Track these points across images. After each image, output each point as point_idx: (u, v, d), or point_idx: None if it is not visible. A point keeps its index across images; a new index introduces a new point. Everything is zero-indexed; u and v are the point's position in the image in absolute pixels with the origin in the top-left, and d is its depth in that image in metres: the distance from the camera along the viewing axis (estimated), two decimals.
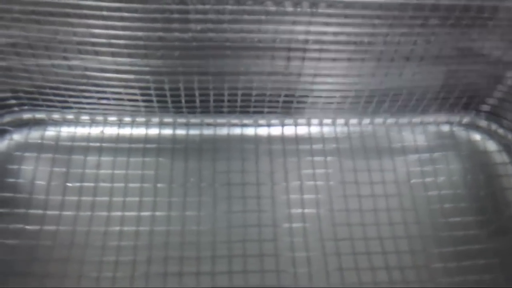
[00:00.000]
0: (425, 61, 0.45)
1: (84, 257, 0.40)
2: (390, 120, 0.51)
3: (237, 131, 0.49)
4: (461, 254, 0.42)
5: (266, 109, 0.49)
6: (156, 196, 0.44)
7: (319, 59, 0.44)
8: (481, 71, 0.47)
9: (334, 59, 0.44)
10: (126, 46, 0.41)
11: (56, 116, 0.48)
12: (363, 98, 0.48)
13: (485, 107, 0.51)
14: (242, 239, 0.42)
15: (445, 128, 0.51)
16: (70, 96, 0.46)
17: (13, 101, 0.47)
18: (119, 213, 0.43)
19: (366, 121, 0.51)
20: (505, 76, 0.48)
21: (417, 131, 0.50)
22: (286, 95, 0.48)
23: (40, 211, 0.42)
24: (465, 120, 0.52)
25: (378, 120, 0.51)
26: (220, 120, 0.49)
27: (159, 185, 0.45)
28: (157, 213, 0.43)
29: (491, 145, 0.50)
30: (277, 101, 0.48)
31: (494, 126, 0.51)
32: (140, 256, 0.41)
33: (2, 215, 0.42)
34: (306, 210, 0.44)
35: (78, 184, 0.44)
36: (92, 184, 0.44)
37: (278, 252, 0.42)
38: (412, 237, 0.43)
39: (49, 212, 0.42)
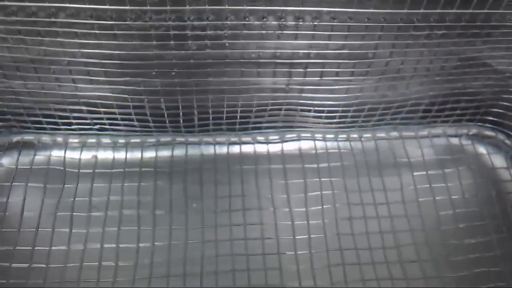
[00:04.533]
0: (431, 71, 0.44)
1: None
2: (394, 134, 0.49)
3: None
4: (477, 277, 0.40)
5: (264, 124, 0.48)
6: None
7: (321, 72, 0.43)
8: (486, 81, 0.46)
9: (337, 73, 0.43)
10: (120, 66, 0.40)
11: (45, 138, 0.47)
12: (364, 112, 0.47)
13: (491, 118, 0.50)
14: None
15: (454, 141, 0.50)
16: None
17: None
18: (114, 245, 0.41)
19: (368, 135, 0.49)
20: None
21: (424, 145, 0.49)
22: (286, 109, 0.46)
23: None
24: (472, 131, 0.50)
25: (380, 134, 0.49)
26: (219, 139, 0.49)
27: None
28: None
29: (499, 158, 0.49)
30: (278, 116, 0.47)
31: (501, 136, 0.50)
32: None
33: None
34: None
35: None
36: (84, 214, 0.43)
37: None
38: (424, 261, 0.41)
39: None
